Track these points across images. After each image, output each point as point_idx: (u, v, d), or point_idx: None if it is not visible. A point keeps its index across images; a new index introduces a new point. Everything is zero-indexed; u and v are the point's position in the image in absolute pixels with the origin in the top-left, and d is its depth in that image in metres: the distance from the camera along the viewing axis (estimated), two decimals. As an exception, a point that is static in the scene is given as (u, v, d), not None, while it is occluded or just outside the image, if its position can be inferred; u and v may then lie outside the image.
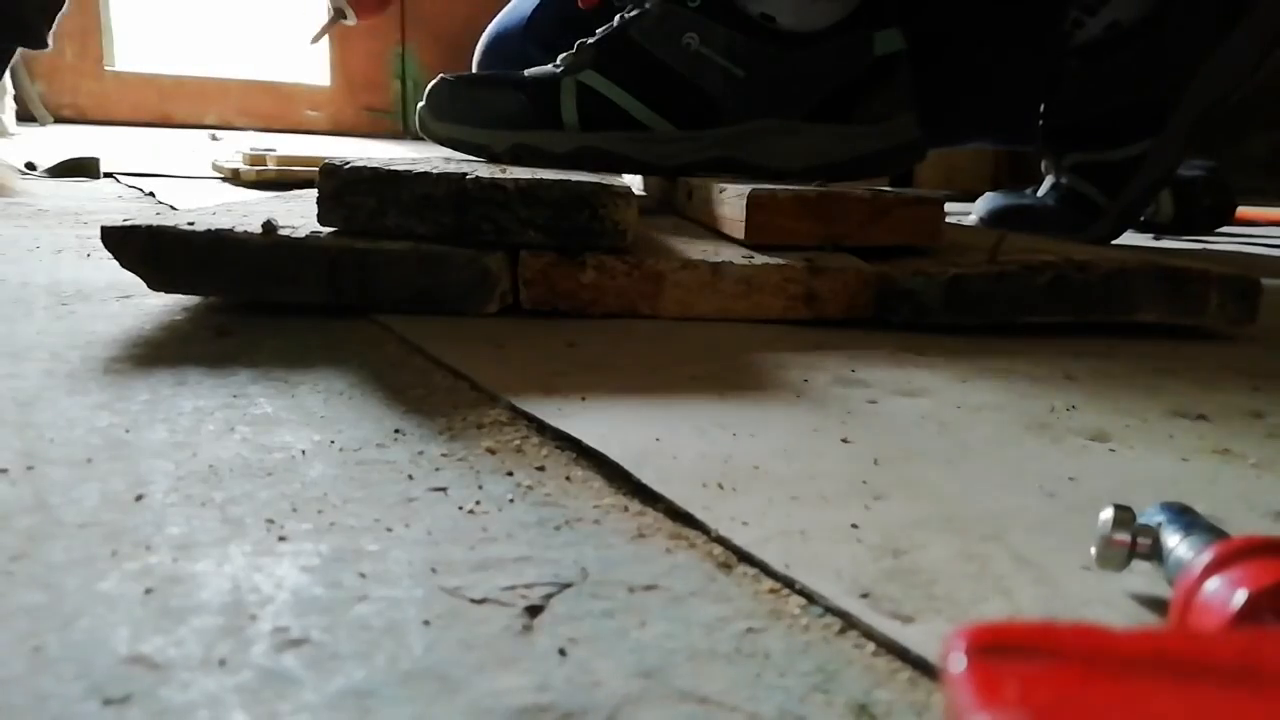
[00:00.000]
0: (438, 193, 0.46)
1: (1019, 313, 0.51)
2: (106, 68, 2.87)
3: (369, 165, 0.47)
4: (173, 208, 0.89)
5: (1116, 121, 0.97)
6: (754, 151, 0.71)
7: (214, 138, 2.27)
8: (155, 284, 0.45)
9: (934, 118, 0.76)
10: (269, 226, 0.45)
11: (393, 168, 0.47)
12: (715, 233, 0.60)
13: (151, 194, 1.08)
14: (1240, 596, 0.17)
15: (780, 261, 0.50)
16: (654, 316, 0.49)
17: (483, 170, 0.49)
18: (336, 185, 0.47)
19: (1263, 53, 0.92)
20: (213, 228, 0.45)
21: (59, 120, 2.71)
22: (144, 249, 0.45)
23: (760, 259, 0.51)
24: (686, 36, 0.70)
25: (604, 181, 0.48)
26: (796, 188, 0.54)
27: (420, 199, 0.46)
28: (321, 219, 0.47)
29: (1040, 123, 1.01)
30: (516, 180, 0.47)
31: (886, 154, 0.73)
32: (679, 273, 0.49)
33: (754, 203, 0.53)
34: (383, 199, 0.46)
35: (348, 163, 0.47)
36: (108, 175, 1.28)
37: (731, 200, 0.56)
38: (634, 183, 0.82)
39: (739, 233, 0.54)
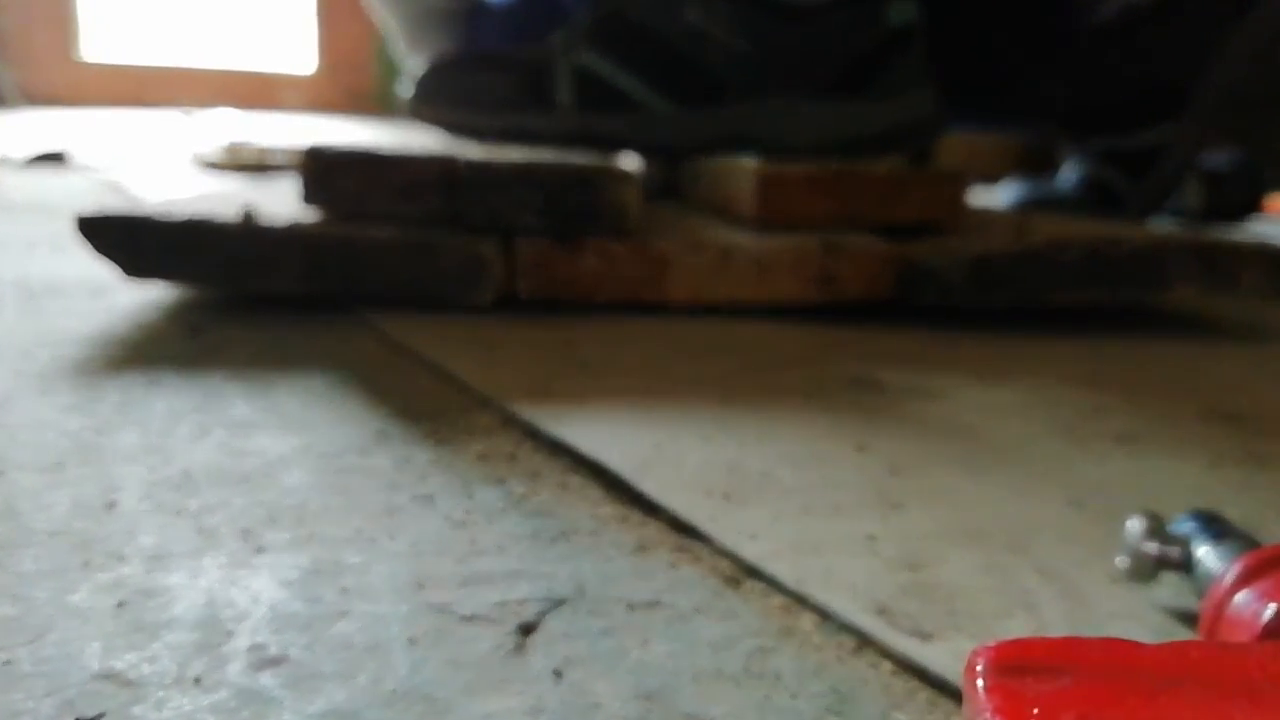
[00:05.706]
0: (427, 176, 0.46)
1: (1047, 291, 0.50)
2: (76, 58, 2.90)
3: (354, 148, 0.47)
4: (147, 198, 0.89)
5: (1137, 105, 0.97)
6: (762, 130, 0.71)
7: (187, 114, 2.27)
8: (129, 271, 0.45)
9: (948, 101, 0.76)
10: (248, 213, 0.45)
11: (379, 151, 0.47)
12: (723, 215, 0.59)
13: (126, 185, 1.08)
14: (1271, 610, 0.17)
15: (794, 242, 0.50)
16: (660, 304, 0.49)
17: (474, 153, 0.49)
18: (320, 169, 0.46)
19: None
20: (190, 214, 0.45)
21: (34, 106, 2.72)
22: (119, 236, 0.44)
23: (773, 240, 0.50)
24: (688, 10, 0.70)
25: (603, 161, 0.48)
26: (810, 165, 0.54)
27: (409, 182, 0.46)
28: (305, 204, 0.47)
29: (1059, 108, 1.01)
30: (511, 161, 0.46)
31: (903, 130, 0.73)
32: (686, 256, 0.48)
33: (766, 181, 0.52)
34: (369, 182, 0.46)
35: (332, 145, 0.47)
36: (81, 167, 1.29)
37: (741, 179, 0.56)
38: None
39: (750, 213, 0.54)
